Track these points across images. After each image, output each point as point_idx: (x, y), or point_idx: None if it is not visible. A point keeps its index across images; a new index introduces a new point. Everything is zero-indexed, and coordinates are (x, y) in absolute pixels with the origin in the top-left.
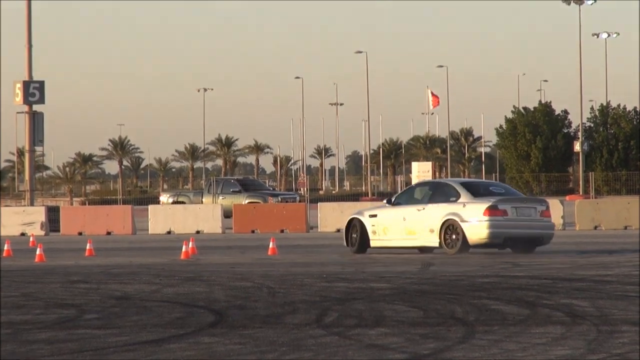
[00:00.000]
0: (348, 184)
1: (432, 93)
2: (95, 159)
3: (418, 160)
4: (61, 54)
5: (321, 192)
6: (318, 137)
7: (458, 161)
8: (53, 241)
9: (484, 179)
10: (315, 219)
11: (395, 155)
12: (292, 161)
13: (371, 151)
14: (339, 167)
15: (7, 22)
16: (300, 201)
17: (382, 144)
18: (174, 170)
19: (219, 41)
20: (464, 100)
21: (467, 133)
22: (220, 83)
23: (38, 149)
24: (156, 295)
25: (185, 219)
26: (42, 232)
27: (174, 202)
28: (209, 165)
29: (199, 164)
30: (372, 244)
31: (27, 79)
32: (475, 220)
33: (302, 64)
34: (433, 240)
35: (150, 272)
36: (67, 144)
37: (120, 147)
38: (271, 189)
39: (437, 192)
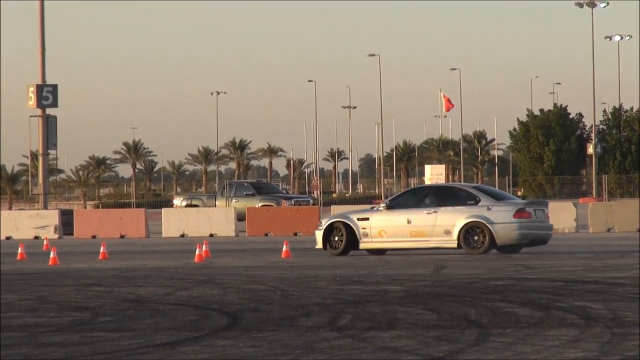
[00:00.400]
0: (361, 186)
1: (445, 97)
2: (108, 162)
3: (431, 163)
4: (74, 57)
5: (334, 195)
6: (331, 140)
7: (471, 164)
8: (67, 244)
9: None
10: None
11: (409, 158)
12: (305, 164)
13: (384, 154)
14: (352, 170)
15: (20, 25)
16: (313, 204)
17: (395, 146)
18: (187, 173)
19: (232, 44)
20: (477, 102)
21: (480, 136)
22: (234, 86)
23: (51, 152)
24: (170, 298)
25: (199, 222)
26: (56, 236)
27: (187, 206)
28: (223, 168)
29: (212, 167)
30: (363, 246)
31: (40, 82)
32: (505, 222)
33: (315, 67)
34: (449, 242)
35: (164, 275)
36: (80, 148)
37: (134, 151)
38: (284, 192)
39: (446, 197)
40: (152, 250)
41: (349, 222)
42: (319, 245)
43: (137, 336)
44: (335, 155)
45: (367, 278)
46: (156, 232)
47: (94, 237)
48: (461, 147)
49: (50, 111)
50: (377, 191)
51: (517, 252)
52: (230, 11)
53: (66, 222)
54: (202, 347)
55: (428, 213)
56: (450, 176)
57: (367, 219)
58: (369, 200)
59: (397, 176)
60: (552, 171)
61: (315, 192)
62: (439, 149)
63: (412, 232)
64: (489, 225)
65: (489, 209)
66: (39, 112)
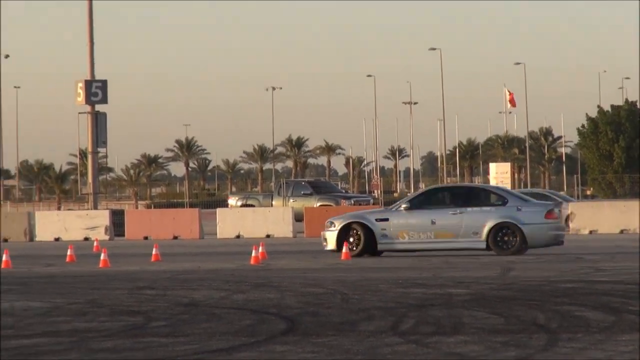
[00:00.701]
0: (423, 185)
1: (509, 93)
2: (160, 160)
3: (496, 161)
4: (124, 52)
5: (396, 195)
6: (392, 137)
7: (538, 162)
8: (118, 246)
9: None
10: None
11: (472, 156)
12: (365, 162)
13: (447, 152)
14: (413, 169)
15: (69, 20)
16: (373, 204)
17: (458, 144)
18: (242, 172)
19: (288, 38)
20: (543, 98)
21: (547, 132)
22: (290, 81)
23: (101, 150)
24: (225, 301)
25: (255, 222)
26: (107, 237)
27: (242, 205)
28: (279, 166)
29: (268, 166)
30: (382, 247)
31: (89, 78)
32: (537, 222)
33: (374, 61)
34: (477, 243)
35: (219, 277)
36: (131, 145)
37: (187, 148)
38: (343, 191)
39: (469, 197)
40: (207, 251)
41: (366, 223)
42: (331, 246)
43: (192, 341)
44: (396, 153)
45: (431, 281)
46: (210, 233)
47: (146, 238)
48: (527, 145)
49: (99, 108)
50: None
51: (524, 253)
52: (286, 4)
53: (117, 223)
54: (260, 353)
55: (453, 213)
56: (516, 175)
57: (387, 219)
58: None
59: (461, 175)
60: (622, 169)
61: (375, 191)
62: (504, 147)
63: (437, 233)
64: (520, 227)
65: (518, 209)
66: (88, 108)
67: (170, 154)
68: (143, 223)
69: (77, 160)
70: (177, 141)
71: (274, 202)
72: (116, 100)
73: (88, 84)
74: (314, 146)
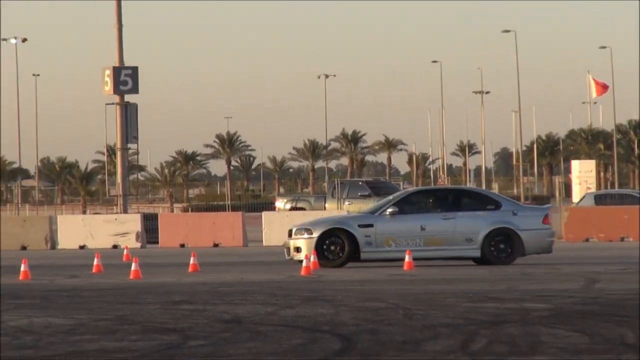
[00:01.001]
0: (496, 185)
1: (595, 81)
2: (198, 158)
3: (578, 158)
4: (157, 35)
5: None
6: (460, 132)
7: (626, 159)
8: (150, 255)
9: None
10: None
11: (552, 153)
12: (430, 159)
13: (523, 148)
14: (485, 167)
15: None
16: None
17: (536, 138)
18: (291, 170)
19: (342, 21)
20: (633, 87)
21: (637, 126)
22: (344, 68)
23: (131, 146)
24: (272, 318)
25: None
26: (138, 244)
27: (292, 209)
28: (333, 164)
29: (320, 164)
30: (365, 256)
31: (117, 64)
32: (535, 228)
33: (440, 46)
34: (471, 251)
35: (265, 290)
36: (165, 141)
37: (228, 144)
38: None
39: (460, 200)
40: (251, 261)
41: (349, 229)
42: (300, 256)
43: None
44: (466, 149)
45: (505, 294)
46: (255, 239)
47: (182, 245)
48: (614, 139)
49: (129, 98)
50: (515, 191)
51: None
52: None
53: (149, 229)
54: None
55: (444, 218)
56: (601, 173)
57: (371, 225)
58: None
59: (539, 173)
60: None
61: None
62: (588, 142)
63: (427, 240)
64: (519, 233)
65: (514, 213)
66: (116, 99)
67: (209, 151)
68: (179, 229)
69: (104, 158)
70: (218, 136)
71: (327, 205)
72: (148, 89)
73: (116, 71)
74: (373, 141)
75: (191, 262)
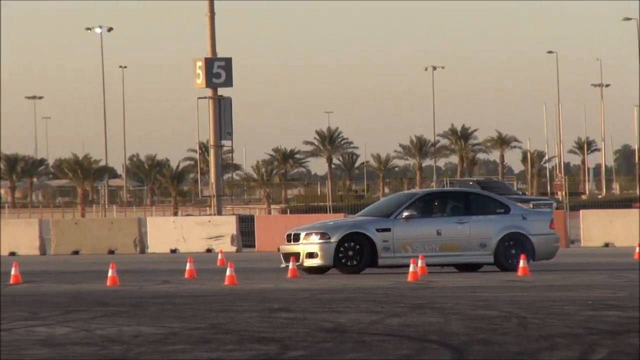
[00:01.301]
0: (617, 186)
1: None
2: (297, 155)
3: None
4: (251, 24)
5: (584, 197)
6: (578, 128)
7: None
8: (247, 259)
9: None
10: (576, 231)
11: None
12: (546, 158)
13: None
14: (605, 165)
15: None
16: (557, 208)
17: None
18: (396, 169)
19: (450, 7)
20: None
21: None
22: (453, 59)
23: (226, 143)
24: (377, 326)
25: None
26: (233, 248)
27: None
28: (441, 162)
29: (428, 162)
30: (384, 262)
31: (209, 55)
32: (544, 233)
33: (555, 35)
34: (484, 256)
35: (370, 297)
36: (262, 138)
37: (329, 141)
38: (520, 193)
39: (470, 204)
40: None
41: (368, 234)
42: (324, 261)
43: None
44: (584, 146)
45: (628, 301)
46: None
47: (279, 249)
48: None
49: (223, 92)
50: (637, 192)
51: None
52: None
53: (245, 231)
54: None
55: (459, 223)
56: None
57: (389, 229)
58: (627, 203)
59: None
60: None
61: (559, 193)
62: None
63: (443, 246)
64: (530, 238)
65: (524, 218)
66: (209, 92)
67: (309, 148)
68: (277, 231)
69: (196, 156)
70: (318, 132)
71: None
72: (243, 82)
73: (209, 63)
74: (484, 138)
75: (290, 267)
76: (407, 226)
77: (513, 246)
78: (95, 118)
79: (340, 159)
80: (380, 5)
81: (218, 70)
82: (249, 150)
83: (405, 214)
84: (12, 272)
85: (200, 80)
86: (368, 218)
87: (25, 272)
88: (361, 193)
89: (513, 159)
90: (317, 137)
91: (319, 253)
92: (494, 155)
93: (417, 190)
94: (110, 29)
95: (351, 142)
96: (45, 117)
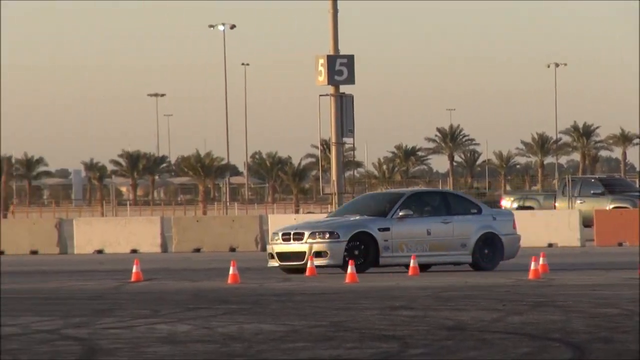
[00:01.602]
0: None
1: None
2: (419, 153)
3: None
4: (372, 21)
5: None
6: None
7: None
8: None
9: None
10: None
11: None
12: None
13: None
14: None
15: None
16: None
17: None
18: (518, 166)
19: (572, 10)
20: None
21: None
22: (575, 57)
23: (347, 140)
24: (498, 324)
25: (535, 227)
26: None
27: (519, 208)
28: (563, 160)
29: (550, 159)
30: (384, 261)
31: (331, 52)
32: (510, 233)
33: None
34: (464, 256)
35: (491, 295)
36: (383, 135)
37: (451, 139)
38: None
39: (449, 204)
40: None
41: (372, 233)
42: (335, 261)
43: None
44: None
45: None
46: None
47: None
48: None
49: (345, 89)
50: None
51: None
52: None
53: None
54: None
55: (444, 222)
56: None
57: (388, 229)
58: None
59: None
60: None
61: None
62: None
63: (432, 245)
64: (502, 238)
65: (494, 218)
66: (330, 90)
67: (431, 145)
68: None
69: (318, 153)
70: (439, 129)
71: (557, 204)
72: (364, 79)
73: (331, 60)
74: (606, 135)
75: (411, 264)
76: (402, 225)
77: (486, 246)
78: (217, 115)
79: (462, 156)
80: (503, 4)
81: (340, 68)
82: (371, 147)
83: (400, 213)
84: (134, 269)
85: (322, 77)
86: (367, 217)
87: (147, 270)
88: (483, 190)
89: (636, 157)
90: (438, 134)
91: (328, 252)
92: (616, 153)
93: (402, 190)
94: (232, 27)
95: (472, 139)
96: (167, 114)
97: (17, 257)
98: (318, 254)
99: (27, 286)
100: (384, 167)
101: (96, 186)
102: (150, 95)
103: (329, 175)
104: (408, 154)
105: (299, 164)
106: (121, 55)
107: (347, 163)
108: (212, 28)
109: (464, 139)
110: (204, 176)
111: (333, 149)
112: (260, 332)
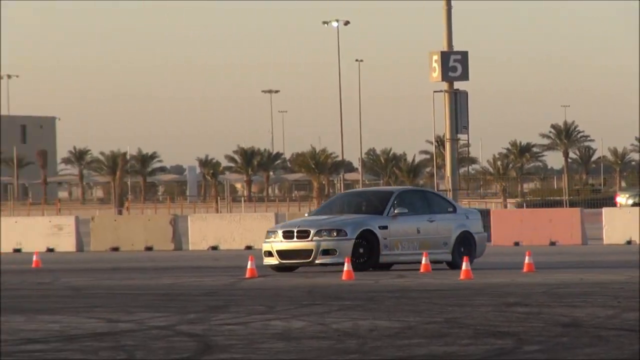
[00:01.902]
0: None
1: None
2: (534, 149)
3: None
4: (485, 16)
5: None
6: None
7: None
8: (485, 253)
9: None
10: None
11: None
12: None
13: None
14: None
15: None
16: None
17: None
18: (633, 163)
19: None
20: None
21: None
22: None
23: (462, 137)
24: (614, 321)
25: None
26: None
27: (634, 204)
28: None
29: None
30: (383, 259)
31: (445, 49)
32: (481, 232)
33: None
34: (445, 255)
35: (607, 292)
36: (498, 131)
37: (565, 135)
38: None
39: (429, 202)
40: (590, 260)
41: (375, 231)
42: (333, 259)
43: None
44: None
45: None
46: (595, 237)
47: (516, 244)
48: None
49: (459, 85)
50: None
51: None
52: None
53: (483, 225)
54: None
55: (429, 221)
56: None
57: (386, 227)
58: None
59: None
60: None
61: None
62: None
63: (421, 243)
64: (475, 237)
65: (467, 217)
66: (444, 86)
67: (545, 142)
68: (512, 226)
69: (432, 149)
70: (554, 126)
71: None
72: (479, 75)
73: (445, 57)
74: None
75: (526, 261)
76: (397, 224)
77: (462, 245)
78: (331, 112)
79: (577, 152)
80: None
81: (454, 64)
82: (485, 143)
83: (397, 210)
84: (248, 265)
85: (436, 73)
86: (365, 215)
87: (261, 266)
88: (598, 187)
89: None
90: (553, 130)
91: (337, 250)
92: None
93: (390, 187)
94: (346, 23)
95: (587, 136)
96: (281, 110)
97: (132, 254)
98: (326, 252)
99: (142, 282)
100: (499, 163)
101: (210, 182)
102: (265, 91)
103: (443, 171)
104: (523, 151)
105: (413, 160)
106: (237, 53)
107: (462, 159)
108: (326, 25)
109: (578, 135)
110: (318, 172)
111: (447, 145)
112: (375, 329)
